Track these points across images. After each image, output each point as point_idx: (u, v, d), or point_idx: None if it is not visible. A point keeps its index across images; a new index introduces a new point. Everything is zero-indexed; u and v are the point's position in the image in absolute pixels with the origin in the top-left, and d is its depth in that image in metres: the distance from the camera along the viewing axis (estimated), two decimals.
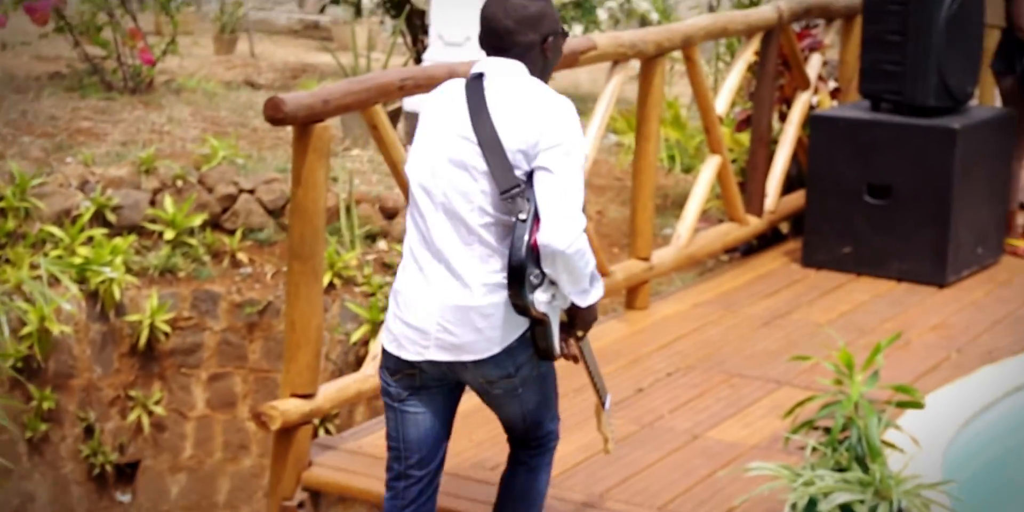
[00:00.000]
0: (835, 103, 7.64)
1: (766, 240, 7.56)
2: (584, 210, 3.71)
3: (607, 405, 4.11)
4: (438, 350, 3.80)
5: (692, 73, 6.54)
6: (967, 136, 6.73)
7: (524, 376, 3.88)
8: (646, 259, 6.38)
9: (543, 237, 3.64)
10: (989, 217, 7.06)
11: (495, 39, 3.83)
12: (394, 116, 8.57)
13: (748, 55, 7.02)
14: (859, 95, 7.14)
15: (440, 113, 3.84)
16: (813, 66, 7.49)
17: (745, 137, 7.48)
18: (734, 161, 7.63)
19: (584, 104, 7.29)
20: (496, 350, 3.79)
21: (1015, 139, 7.16)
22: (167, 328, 6.70)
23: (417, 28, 9.79)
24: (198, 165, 7.21)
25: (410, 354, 3.84)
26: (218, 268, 6.96)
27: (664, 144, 8.58)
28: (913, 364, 5.72)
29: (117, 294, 6.54)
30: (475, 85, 3.81)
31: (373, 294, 6.73)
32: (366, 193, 7.31)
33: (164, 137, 7.82)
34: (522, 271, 3.69)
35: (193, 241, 6.92)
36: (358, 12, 10.23)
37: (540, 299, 3.74)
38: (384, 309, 6.01)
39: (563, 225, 3.64)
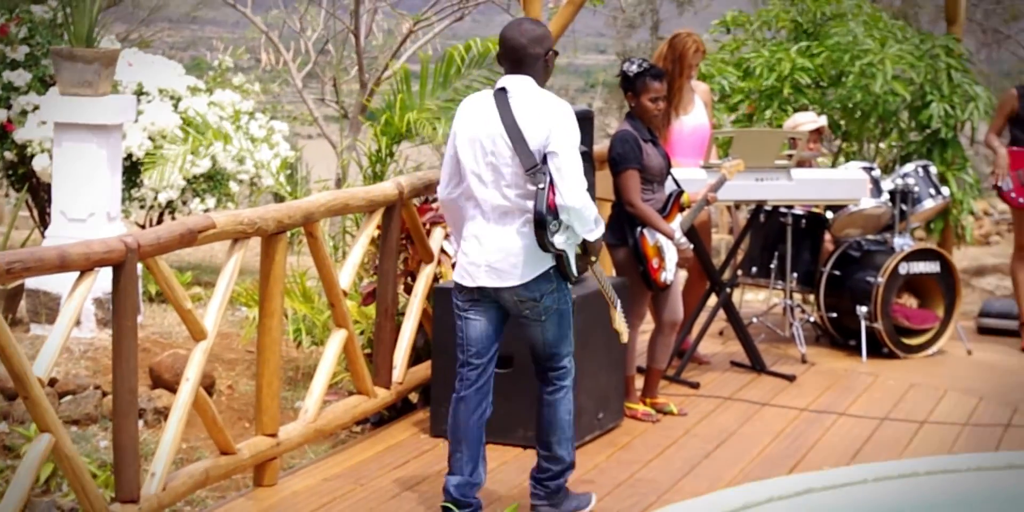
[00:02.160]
0: None
1: (398, 410, 7.62)
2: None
3: (618, 306, 6.12)
4: (487, 278, 5.67)
5: (314, 249, 6.60)
6: (584, 306, 6.97)
7: (547, 306, 5.71)
8: (273, 435, 6.33)
9: (561, 199, 5.48)
10: (609, 383, 7.30)
11: (513, 54, 5.65)
12: (15, 294, 8.34)
13: (371, 230, 7.14)
14: None
15: (475, 119, 5.67)
16: (436, 239, 7.67)
17: (373, 310, 7.57)
18: (362, 333, 7.71)
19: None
20: (527, 278, 5.62)
21: (630, 307, 7.46)
22: None
23: (44, 201, 9.60)
24: None
25: (470, 282, 5.71)
26: None
27: (295, 317, 8.58)
28: None
29: None
30: (501, 97, 5.62)
31: None
32: None
33: None
34: (544, 223, 5.50)
35: None
36: None
37: (558, 240, 5.58)
38: None
39: (573, 190, 5.49)
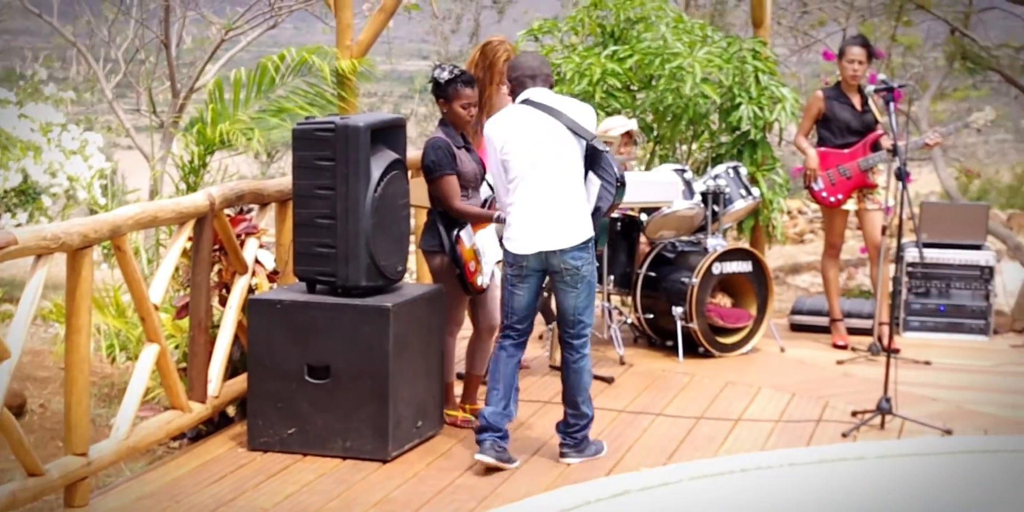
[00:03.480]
0: (274, 286, 7.76)
1: (215, 425, 7.52)
2: None
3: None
4: (549, 240, 6.81)
5: (123, 263, 6.48)
6: (400, 313, 6.97)
7: (583, 274, 6.87)
8: (83, 454, 6.19)
9: (617, 176, 6.90)
10: (427, 390, 7.30)
11: (531, 72, 7.01)
12: None
13: (182, 242, 7.04)
14: (295, 277, 7.29)
15: (521, 126, 6.89)
16: (250, 250, 7.60)
17: (187, 323, 7.46)
18: (177, 347, 7.60)
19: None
20: (576, 242, 6.81)
21: (448, 313, 7.48)
22: None
23: None
24: None
25: (528, 248, 6.84)
26: None
27: (109, 332, 8.44)
28: None
29: None
30: (537, 104, 6.91)
31: None
32: None
33: None
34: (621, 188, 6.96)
35: None
36: None
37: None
38: None
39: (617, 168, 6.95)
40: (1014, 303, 12.85)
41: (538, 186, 6.84)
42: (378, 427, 6.92)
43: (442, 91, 7.34)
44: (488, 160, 7.11)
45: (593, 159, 6.92)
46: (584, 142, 6.87)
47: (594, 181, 6.95)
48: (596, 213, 6.94)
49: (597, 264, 7.13)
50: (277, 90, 9.41)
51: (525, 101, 6.96)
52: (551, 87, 7.04)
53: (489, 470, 6.84)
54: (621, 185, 6.93)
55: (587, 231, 6.87)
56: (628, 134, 9.32)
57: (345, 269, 6.99)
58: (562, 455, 7.09)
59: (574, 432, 7.10)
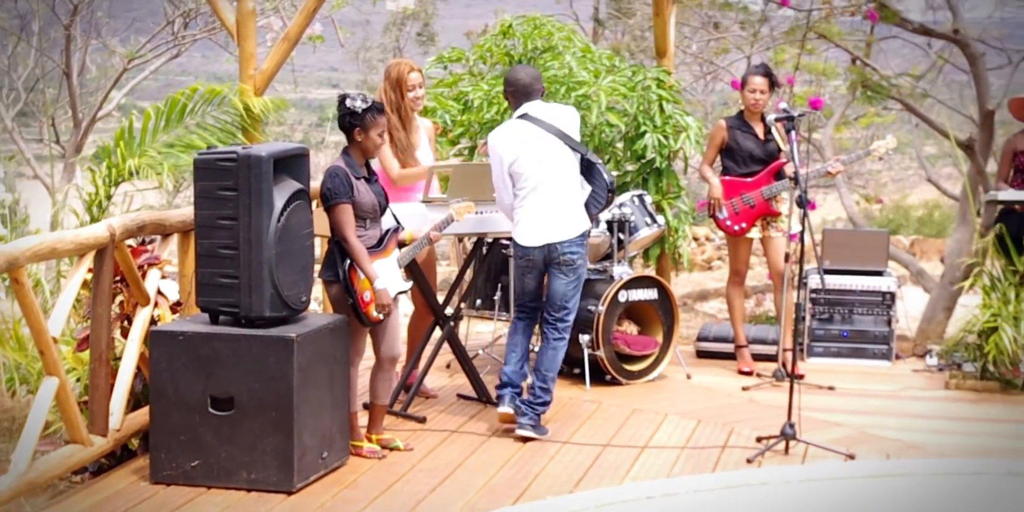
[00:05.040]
0: (176, 317, 7.69)
1: (118, 458, 7.43)
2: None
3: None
4: (552, 234, 7.87)
5: (20, 296, 6.40)
6: (304, 344, 6.93)
7: (577, 266, 7.95)
8: None
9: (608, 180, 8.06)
10: (332, 421, 7.26)
11: (525, 87, 7.98)
12: None
13: (82, 274, 6.96)
14: (199, 308, 7.22)
15: (524, 140, 7.88)
16: (152, 281, 7.53)
17: (89, 356, 7.37)
18: (79, 380, 7.50)
19: None
20: (574, 234, 7.90)
21: (349, 343, 7.45)
22: None
23: None
24: None
25: (535, 241, 7.92)
26: None
27: (8, 366, 8.32)
28: None
29: None
30: (532, 118, 7.90)
31: None
32: None
33: None
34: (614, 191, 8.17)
35: None
36: None
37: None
38: None
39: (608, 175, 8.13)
40: (916, 328, 13.04)
41: (544, 194, 7.89)
42: (283, 458, 6.87)
43: (360, 120, 7.33)
44: (492, 167, 8.01)
45: (587, 169, 8.01)
46: (580, 155, 7.95)
47: (586, 187, 8.01)
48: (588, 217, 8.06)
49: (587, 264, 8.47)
50: (186, 123, 9.36)
51: (524, 116, 7.93)
52: (540, 91, 8.02)
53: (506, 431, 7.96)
54: (611, 192, 8.03)
55: (583, 225, 7.97)
56: None
57: (248, 300, 6.95)
58: (519, 427, 7.91)
59: (538, 404, 7.95)
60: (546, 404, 7.97)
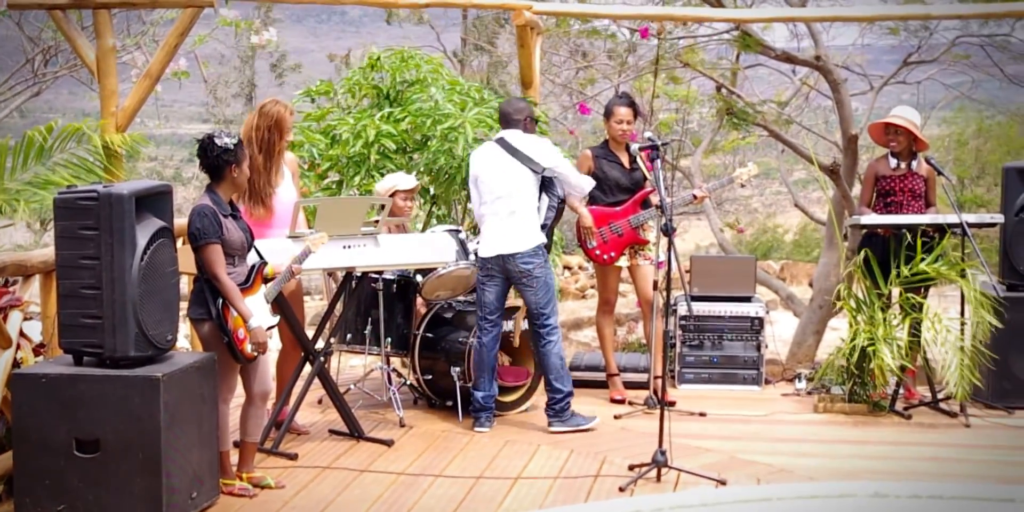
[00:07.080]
0: (40, 359, 7.55)
1: None
2: None
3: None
4: (505, 246, 8.80)
5: None
6: (171, 383, 6.85)
7: (536, 275, 8.81)
8: None
9: (582, 186, 9.18)
10: (202, 460, 7.17)
11: (504, 116, 9.02)
12: None
13: None
14: (62, 350, 7.10)
15: (490, 160, 8.92)
16: (13, 323, 7.40)
17: None
18: None
19: None
20: (526, 248, 8.79)
21: (220, 381, 7.37)
22: None
23: None
24: None
25: (490, 252, 8.84)
26: None
27: None
28: None
29: None
30: (504, 142, 8.88)
31: None
32: None
33: None
34: (562, 209, 9.13)
35: None
36: None
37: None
38: None
39: (582, 181, 9.14)
40: (787, 352, 13.21)
41: (499, 209, 8.86)
42: (151, 500, 6.77)
43: (234, 156, 7.30)
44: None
45: (544, 184, 8.94)
46: (538, 175, 8.87)
47: (545, 201, 8.93)
48: (544, 227, 8.95)
49: (552, 268, 9.09)
50: (45, 162, 9.23)
51: (499, 140, 8.95)
52: (528, 127, 8.97)
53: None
54: (561, 202, 9.04)
55: (535, 240, 8.85)
56: (410, 191, 9.39)
57: (112, 340, 6.85)
58: (550, 425, 8.94)
59: (554, 404, 8.91)
60: (563, 399, 8.88)
